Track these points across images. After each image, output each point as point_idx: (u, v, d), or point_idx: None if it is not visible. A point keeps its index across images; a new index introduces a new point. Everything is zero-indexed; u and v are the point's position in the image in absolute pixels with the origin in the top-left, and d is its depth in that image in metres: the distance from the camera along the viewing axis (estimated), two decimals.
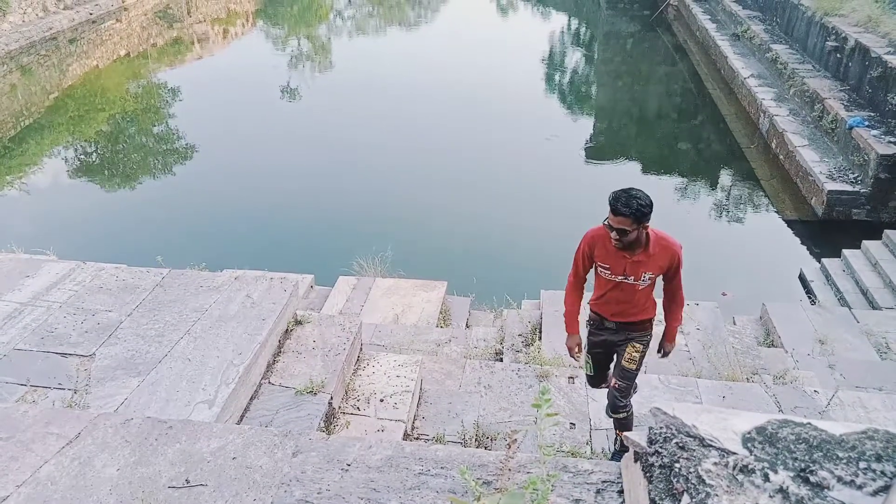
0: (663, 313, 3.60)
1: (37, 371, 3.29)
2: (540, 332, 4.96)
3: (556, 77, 17.58)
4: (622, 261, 3.34)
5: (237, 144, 12.17)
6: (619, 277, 3.37)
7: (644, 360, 3.53)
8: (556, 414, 2.03)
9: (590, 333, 3.63)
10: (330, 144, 11.92)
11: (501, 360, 4.69)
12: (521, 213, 9.32)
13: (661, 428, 1.95)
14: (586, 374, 3.73)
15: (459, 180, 10.44)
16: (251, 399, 3.43)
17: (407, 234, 8.42)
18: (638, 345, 3.49)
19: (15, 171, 11.33)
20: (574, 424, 3.72)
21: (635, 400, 3.63)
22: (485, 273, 6.91)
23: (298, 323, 4.10)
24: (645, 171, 11.00)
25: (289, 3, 24.30)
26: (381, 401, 3.67)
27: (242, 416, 3.29)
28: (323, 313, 4.83)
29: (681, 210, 9.85)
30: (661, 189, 10.35)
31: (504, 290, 5.83)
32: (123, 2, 18.74)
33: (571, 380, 4.05)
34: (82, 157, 12.34)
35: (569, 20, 23.22)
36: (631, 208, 3.09)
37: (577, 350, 3.62)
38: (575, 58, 19.83)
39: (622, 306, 3.47)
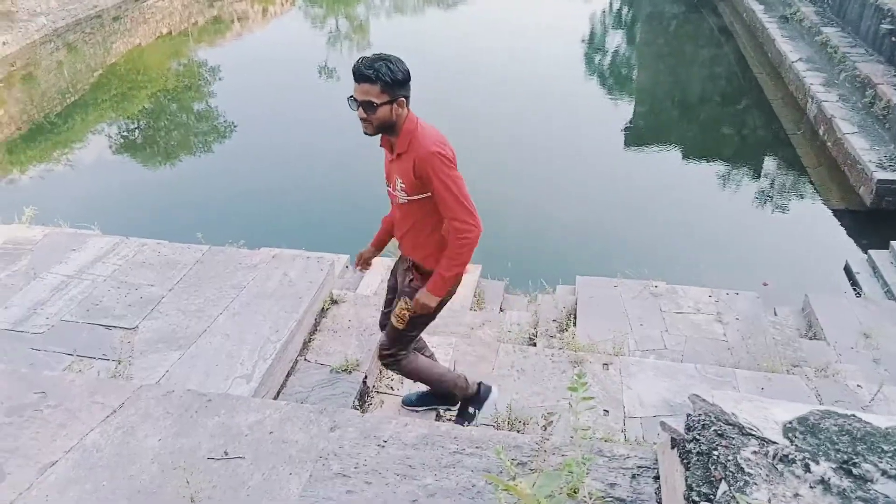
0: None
1: (83, 342, 3.39)
2: (574, 317, 4.92)
3: (596, 59, 17.29)
4: (387, 160, 2.78)
5: (276, 124, 12.28)
6: (387, 185, 2.82)
7: (424, 322, 2.95)
8: (592, 398, 2.02)
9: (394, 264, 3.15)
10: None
11: (535, 344, 4.67)
12: (557, 198, 9.23)
13: (699, 415, 1.93)
14: None
15: (493, 163, 10.38)
16: (287, 375, 3.49)
17: None
18: (410, 301, 2.83)
19: (61, 147, 11.62)
20: (608, 412, 3.70)
21: (666, 388, 3.55)
22: (519, 257, 6.87)
23: (334, 302, 4.15)
24: (686, 156, 10.79)
25: None
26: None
27: (279, 392, 3.35)
28: (358, 293, 4.87)
29: (723, 197, 9.65)
30: (703, 175, 10.14)
31: (539, 274, 5.79)
32: None
33: (606, 367, 4.02)
34: (125, 134, 12.58)
35: (610, 1, 22.75)
36: (376, 70, 2.47)
37: (359, 263, 3.25)
38: (615, 40, 19.48)
39: (398, 228, 2.88)
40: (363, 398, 3.45)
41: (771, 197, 9.75)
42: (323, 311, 4.03)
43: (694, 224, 8.61)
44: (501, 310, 5.52)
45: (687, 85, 14.82)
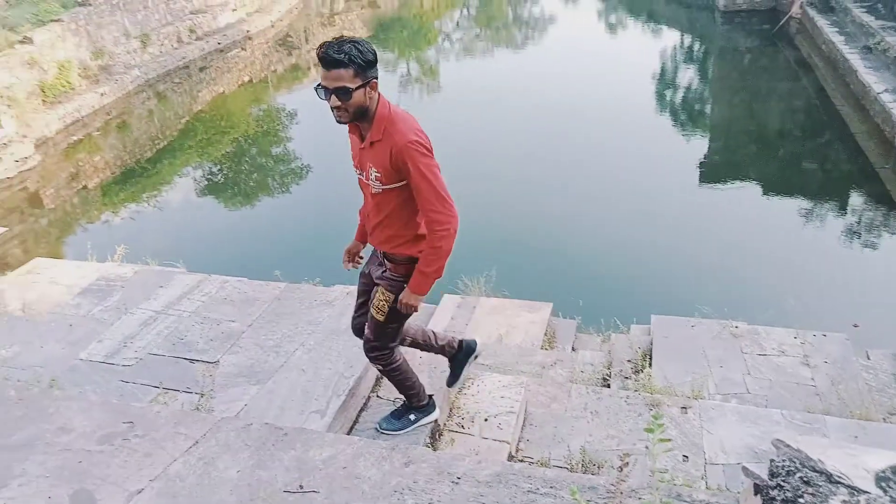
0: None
1: (168, 375, 3.54)
2: (650, 358, 4.79)
3: (667, 95, 17.08)
4: (357, 147, 2.64)
5: (348, 165, 12.62)
6: (358, 173, 2.69)
7: (402, 318, 2.85)
8: (669, 440, 1.95)
9: (365, 262, 3.07)
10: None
11: (609, 385, 4.56)
12: (630, 235, 9.07)
13: (783, 461, 1.83)
14: None
15: (566, 200, 10.33)
16: (360, 411, 3.52)
17: (512, 254, 8.40)
18: (387, 293, 2.74)
19: (150, 189, 12.34)
20: (687, 457, 3.55)
21: (750, 435, 3.38)
22: (591, 295, 6.77)
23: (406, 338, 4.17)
24: (766, 191, 10.43)
25: (399, 29, 25.11)
26: (486, 420, 3.66)
27: (352, 428, 3.38)
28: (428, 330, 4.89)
29: (807, 234, 9.25)
30: (784, 211, 9.77)
31: (612, 313, 5.68)
32: (248, 32, 20.06)
33: (684, 410, 3.88)
34: (209, 176, 13.24)
35: (681, 36, 22.53)
36: (346, 53, 2.33)
37: (346, 258, 3.13)
38: (688, 75, 19.21)
39: (370, 220, 2.77)
40: (434, 436, 3.44)
41: (859, 234, 9.28)
42: None
43: (776, 262, 8.27)
44: (573, 349, 5.42)
45: (764, 119, 14.41)
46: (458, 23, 27.03)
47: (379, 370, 3.06)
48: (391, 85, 18.63)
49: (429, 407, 3.28)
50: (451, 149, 12.79)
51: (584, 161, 11.87)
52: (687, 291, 7.34)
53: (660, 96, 16.69)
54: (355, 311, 3.09)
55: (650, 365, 4.65)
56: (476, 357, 3.52)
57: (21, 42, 13.72)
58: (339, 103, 2.41)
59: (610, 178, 11.15)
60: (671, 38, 22.38)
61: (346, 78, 2.36)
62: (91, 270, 5.08)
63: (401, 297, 2.71)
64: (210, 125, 15.41)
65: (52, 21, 14.64)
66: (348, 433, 3.32)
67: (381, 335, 2.87)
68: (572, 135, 13.34)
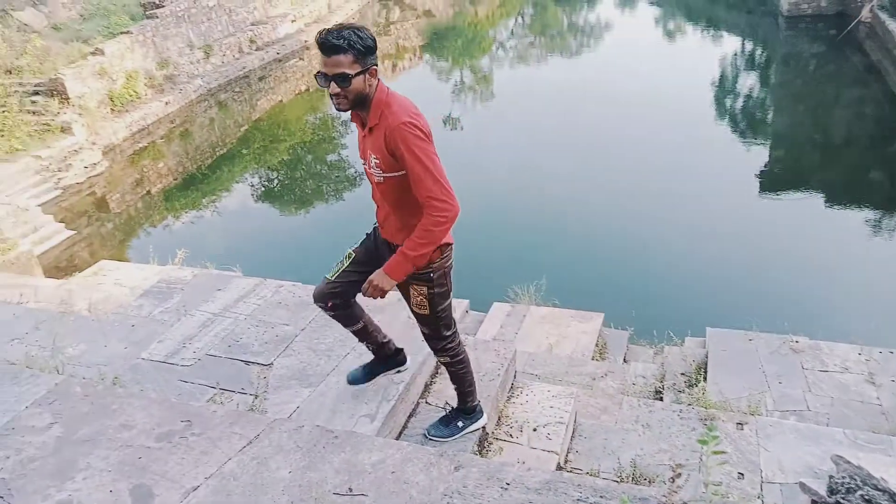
0: None
1: (224, 375, 3.64)
2: (705, 372, 4.67)
3: (727, 102, 16.68)
4: (360, 136, 2.58)
5: None
6: (363, 162, 2.62)
7: (444, 299, 2.73)
8: (723, 452, 1.91)
9: (373, 230, 2.93)
10: (488, 172, 12.16)
11: (661, 399, 4.47)
12: (685, 245, 8.88)
13: (843, 477, 1.77)
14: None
15: (618, 209, 10.18)
16: (409, 417, 3.54)
17: (563, 263, 8.33)
18: (419, 286, 2.65)
19: (209, 195, 12.74)
20: (742, 475, 3.45)
21: (810, 454, 3.25)
22: (644, 306, 6.65)
23: None
24: (830, 202, 10.06)
25: (453, 38, 25.26)
26: (534, 430, 3.63)
27: (401, 433, 3.40)
28: (478, 338, 4.90)
29: (874, 246, 8.88)
30: (849, 222, 9.40)
31: (665, 325, 5.57)
32: (305, 42, 20.51)
33: (740, 426, 3.77)
34: (265, 183, 13.58)
35: (742, 42, 21.97)
36: (346, 39, 2.29)
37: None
38: (748, 81, 18.71)
39: (380, 212, 2.72)
40: (482, 444, 3.43)
41: None
42: None
43: (839, 276, 7.97)
44: (625, 361, 5.34)
45: (829, 127, 13.91)
46: (512, 31, 27.03)
47: (446, 363, 2.94)
48: (444, 93, 18.75)
49: (477, 413, 3.24)
50: (503, 157, 12.78)
51: (638, 169, 11.69)
52: (744, 304, 7.14)
53: (719, 103, 16.31)
54: (333, 276, 2.89)
55: (705, 379, 4.54)
56: (399, 372, 3.41)
57: (93, 53, 14.39)
58: (338, 90, 2.35)
59: (665, 186, 10.94)
60: (731, 44, 21.85)
61: (345, 64, 2.31)
62: (153, 273, 5.27)
63: (371, 277, 2.58)
64: (268, 133, 15.82)
65: (121, 33, 15.31)
66: (397, 438, 3.35)
67: (436, 325, 2.78)
68: (627, 143, 13.16)
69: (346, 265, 2.87)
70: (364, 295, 2.65)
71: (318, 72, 2.38)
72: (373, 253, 2.83)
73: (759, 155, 13.16)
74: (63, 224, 11.27)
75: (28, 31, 15.19)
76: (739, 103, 16.79)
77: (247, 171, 13.81)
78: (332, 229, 10.52)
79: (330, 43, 2.30)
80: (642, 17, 26.70)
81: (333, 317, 3.03)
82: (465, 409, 3.19)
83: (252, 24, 19.26)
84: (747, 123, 15.29)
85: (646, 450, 3.62)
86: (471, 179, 12.12)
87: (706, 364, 4.73)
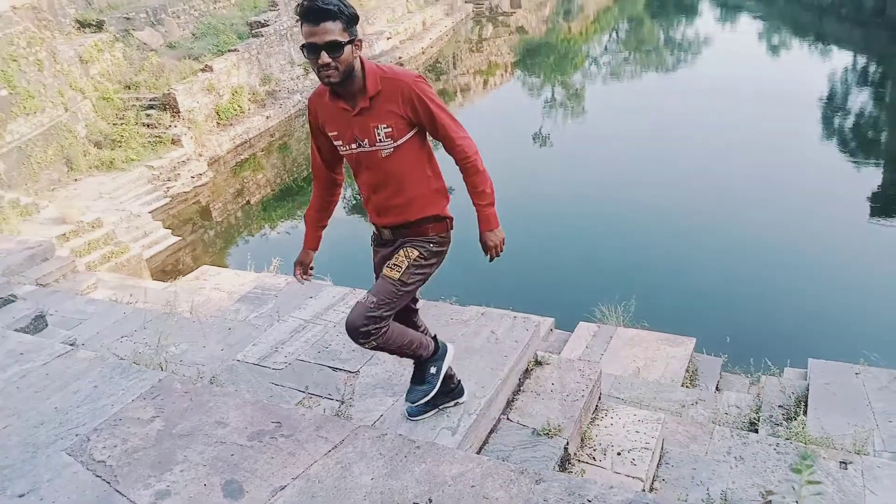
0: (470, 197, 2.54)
1: (313, 380, 3.75)
2: (805, 405, 4.40)
3: (837, 120, 15.76)
4: (346, 118, 2.36)
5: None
6: (354, 147, 2.40)
7: (422, 275, 2.57)
8: (819, 483, 1.79)
9: (373, 254, 2.76)
10: (579, 188, 12.00)
11: (756, 431, 4.24)
12: (786, 269, 8.43)
13: None
14: None
15: (715, 230, 9.80)
16: (490, 432, 3.53)
17: (653, 284, 8.09)
18: (412, 249, 2.50)
19: (305, 206, 13.22)
20: None
21: None
22: (740, 333, 6.36)
23: (538, 364, 4.14)
24: None
25: (545, 54, 25.21)
26: (618, 454, 3.54)
27: (481, 448, 3.40)
28: (562, 356, 4.82)
29: None
30: None
31: (762, 353, 5.30)
32: (400, 58, 21.03)
33: (844, 465, 3.52)
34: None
35: (854, 57, 20.75)
36: (336, 4, 2.13)
37: (299, 271, 2.80)
38: (860, 99, 17.63)
39: (380, 196, 2.50)
40: (564, 465, 3.37)
41: None
42: (527, 372, 4.05)
43: None
44: (718, 389, 5.12)
45: None
46: (606, 47, 26.67)
47: (371, 348, 2.65)
48: (535, 108, 18.70)
49: (439, 351, 2.94)
50: (595, 174, 12.59)
51: (738, 189, 11.23)
52: (850, 335, 6.69)
53: (827, 121, 15.45)
54: None
55: (805, 413, 4.28)
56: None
57: (203, 70, 15.33)
58: (329, 60, 2.17)
59: (767, 206, 10.45)
60: (842, 58, 20.69)
61: (335, 31, 2.15)
62: (249, 279, 5.53)
63: (486, 243, 2.57)
64: None
65: (229, 51, 16.23)
66: (478, 452, 3.34)
67: (387, 301, 2.50)
68: (726, 161, 12.67)
69: None
70: (493, 258, 2.64)
71: (305, 43, 2.20)
72: (377, 264, 2.75)
73: (871, 177, 12.35)
74: (170, 230, 12.01)
75: (146, 50, 16.37)
76: (850, 121, 15.84)
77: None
78: None
79: (318, 7, 2.13)
80: (744, 31, 25.74)
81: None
82: (426, 357, 2.93)
83: None
84: (858, 143, 14.40)
85: (738, 483, 3.44)
86: (561, 195, 12.00)
87: (807, 397, 4.46)
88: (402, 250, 2.54)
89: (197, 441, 2.79)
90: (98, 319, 5.30)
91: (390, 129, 2.33)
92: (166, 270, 10.82)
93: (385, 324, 2.56)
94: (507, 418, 3.66)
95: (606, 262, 9.05)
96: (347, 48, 2.19)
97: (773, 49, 23.59)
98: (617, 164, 13.13)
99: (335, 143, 2.45)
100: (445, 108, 2.40)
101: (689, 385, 5.02)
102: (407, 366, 3.81)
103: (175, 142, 13.94)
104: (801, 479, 1.71)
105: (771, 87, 17.76)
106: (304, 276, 2.86)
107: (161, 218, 12.36)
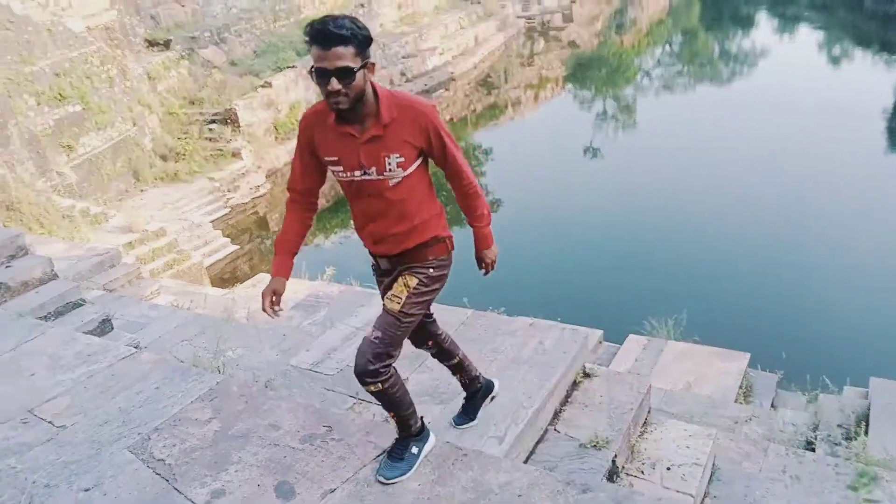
0: (467, 218, 2.56)
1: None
2: (866, 425, 4.25)
3: None
4: (351, 144, 2.23)
5: (540, 201, 12.79)
6: (358, 174, 2.27)
7: (423, 303, 2.45)
8: (878, 501, 1.75)
9: (377, 283, 2.66)
10: (629, 202, 11.87)
11: (813, 450, 4.12)
12: (845, 285, 8.13)
13: None
14: None
15: (770, 244, 9.54)
16: (537, 443, 3.53)
17: (706, 297, 7.93)
18: (411, 277, 2.40)
19: None
20: None
21: None
22: (796, 349, 6.17)
23: (586, 375, 4.12)
24: None
25: (597, 67, 25.05)
26: (668, 469, 3.49)
27: (528, 458, 3.40)
28: (611, 369, 4.78)
29: None
30: None
31: (820, 370, 5.13)
32: (452, 73, 21.23)
33: None
34: None
35: None
36: (349, 28, 2.03)
37: (268, 302, 2.52)
38: None
39: (379, 225, 2.38)
40: (612, 478, 3.35)
41: None
42: (575, 384, 4.03)
43: None
44: (773, 406, 4.99)
45: None
46: (658, 59, 26.33)
47: (377, 391, 2.47)
48: (586, 121, 18.59)
49: (425, 432, 2.75)
50: (643, 188, 12.42)
51: (793, 202, 10.91)
52: None
53: (890, 134, 14.86)
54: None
55: (866, 433, 4.13)
56: (493, 398, 3.24)
57: (262, 86, 15.82)
58: (339, 87, 2.07)
59: (824, 221, 10.12)
60: None
61: (347, 57, 2.05)
62: (303, 287, 5.67)
63: (482, 257, 2.65)
64: None
65: (287, 67, 16.72)
66: (524, 462, 3.35)
67: (391, 334, 2.39)
68: (781, 174, 12.34)
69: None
70: (488, 272, 2.70)
71: (314, 67, 2.10)
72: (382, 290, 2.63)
73: None
74: (229, 239, 12.41)
75: (209, 67, 17.00)
76: None
77: None
78: (466, 253, 10.71)
79: (331, 32, 2.04)
80: (803, 41, 25.04)
81: (434, 355, 2.95)
82: (411, 434, 2.69)
83: (403, 58, 20.27)
84: None
85: (794, 503, 3.35)
86: (611, 207, 11.88)
87: (868, 416, 4.31)
88: (400, 279, 2.45)
89: (251, 442, 2.89)
90: (160, 324, 5.52)
91: (402, 160, 2.24)
92: (224, 278, 11.17)
93: (392, 361, 2.44)
94: (555, 429, 3.65)
95: (657, 275, 8.91)
96: (359, 74, 2.09)
97: (834, 60, 22.86)
98: (669, 176, 12.93)
99: (332, 167, 2.34)
100: (453, 138, 2.39)
101: (742, 401, 4.90)
102: (453, 378, 3.86)
103: (235, 155, 14.42)
104: (857, 499, 1.68)
105: (831, 99, 17.22)
106: (276, 308, 2.59)
107: (221, 227, 12.77)
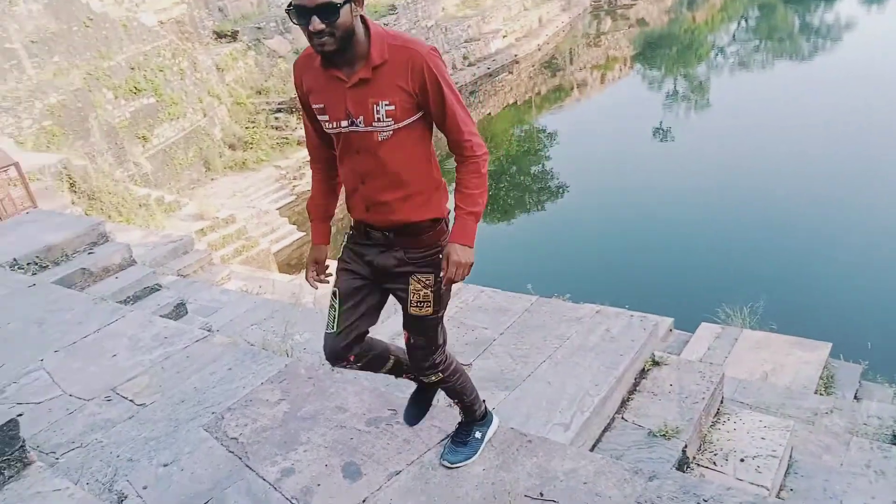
0: (455, 198, 2.10)
1: None
2: None
3: None
4: (339, 90, 1.94)
5: (607, 184, 12.53)
6: (345, 124, 1.95)
7: (449, 289, 2.17)
8: None
9: (344, 250, 2.25)
10: (702, 185, 11.48)
11: None
12: None
13: None
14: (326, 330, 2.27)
15: (852, 229, 9.04)
16: (603, 431, 3.47)
17: (783, 285, 7.60)
18: (423, 276, 2.11)
19: None
20: None
21: None
22: (883, 339, 5.85)
23: (656, 364, 4.02)
24: None
25: (667, 45, 24.25)
26: (742, 461, 3.37)
27: (594, 446, 3.35)
28: (682, 357, 4.65)
29: None
30: None
31: None
32: (515, 56, 20.98)
33: None
34: None
35: None
36: None
37: (312, 272, 2.31)
38: None
39: (369, 188, 2.04)
40: (681, 468, 3.25)
41: None
42: (643, 372, 3.93)
43: None
44: (856, 398, 4.74)
45: None
46: (734, 35, 25.26)
47: (438, 379, 2.39)
48: (656, 102, 18.05)
49: (489, 416, 2.71)
50: (717, 170, 11.97)
51: (876, 183, 10.30)
52: None
53: None
54: (340, 323, 2.28)
55: None
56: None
57: None
58: (322, 26, 1.81)
59: None
60: None
61: None
62: None
63: (448, 257, 2.03)
64: None
65: None
66: (591, 450, 3.30)
67: (434, 331, 2.25)
68: (866, 154, 11.65)
69: (340, 308, 2.28)
70: (450, 283, 2.10)
71: (292, 4, 1.83)
72: (361, 268, 2.25)
73: None
74: (295, 226, 12.69)
75: (275, 57, 17.35)
76: None
77: (453, 182, 14.46)
78: (533, 239, 10.62)
79: None
80: (894, 13, 23.51)
81: (360, 368, 2.47)
82: (475, 419, 2.65)
83: (466, 41, 20.16)
84: None
85: (878, 499, 3.18)
86: (683, 191, 11.52)
87: None
88: (413, 283, 2.17)
89: (319, 424, 2.95)
90: (231, 308, 5.70)
91: (393, 108, 1.93)
92: (291, 264, 11.44)
93: (445, 347, 2.36)
94: (622, 418, 3.58)
95: (732, 261, 8.58)
96: (345, 9, 1.81)
97: None
98: (746, 157, 12.41)
99: (319, 117, 2.03)
100: (458, 93, 2.01)
101: (822, 392, 4.68)
102: (518, 360, 3.83)
103: (300, 143, 14.71)
104: None
105: None
106: (320, 278, 2.38)
107: (287, 214, 13.08)
